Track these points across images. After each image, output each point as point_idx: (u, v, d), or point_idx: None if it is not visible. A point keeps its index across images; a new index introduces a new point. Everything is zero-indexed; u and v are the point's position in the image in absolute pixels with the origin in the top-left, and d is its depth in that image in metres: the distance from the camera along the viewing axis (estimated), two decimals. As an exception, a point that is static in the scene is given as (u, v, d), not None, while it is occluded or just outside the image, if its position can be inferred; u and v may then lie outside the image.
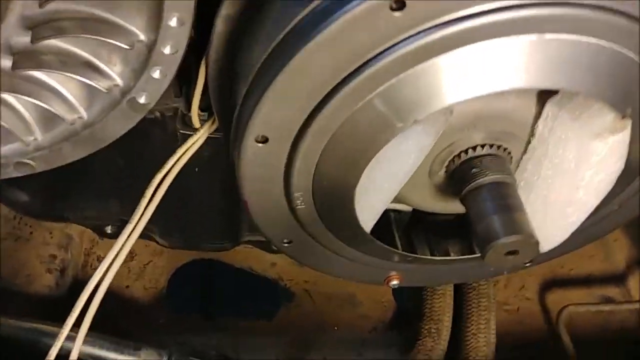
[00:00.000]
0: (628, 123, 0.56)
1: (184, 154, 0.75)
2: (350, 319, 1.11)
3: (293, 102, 0.54)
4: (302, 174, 0.61)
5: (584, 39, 0.49)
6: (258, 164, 0.60)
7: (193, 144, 0.76)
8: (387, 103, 0.53)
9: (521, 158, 0.66)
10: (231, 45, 0.61)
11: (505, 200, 0.62)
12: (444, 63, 0.50)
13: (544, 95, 0.60)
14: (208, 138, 0.75)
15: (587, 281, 1.21)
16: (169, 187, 0.73)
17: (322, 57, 0.50)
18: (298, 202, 0.65)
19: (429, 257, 0.79)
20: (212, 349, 0.91)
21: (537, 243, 0.60)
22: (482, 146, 0.63)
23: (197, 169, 0.82)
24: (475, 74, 0.51)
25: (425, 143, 0.59)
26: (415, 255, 0.78)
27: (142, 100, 0.63)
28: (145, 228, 0.74)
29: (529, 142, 0.65)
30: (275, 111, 0.55)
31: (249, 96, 0.56)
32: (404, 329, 1.09)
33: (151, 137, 0.79)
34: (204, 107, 0.73)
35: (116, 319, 1.03)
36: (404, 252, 0.76)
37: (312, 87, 0.52)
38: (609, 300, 1.19)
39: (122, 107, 0.63)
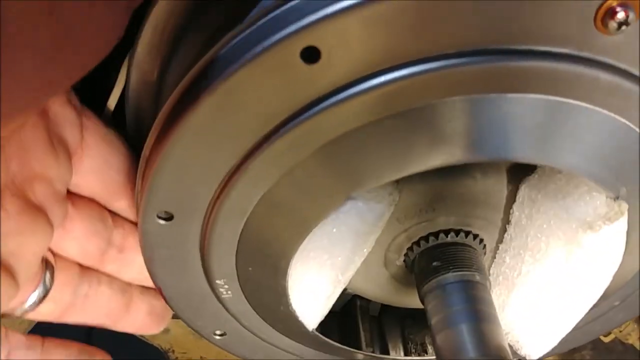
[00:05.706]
0: (624, 207, 0.43)
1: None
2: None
3: (196, 173, 0.43)
4: (222, 257, 0.50)
5: (571, 101, 0.38)
6: (166, 245, 0.49)
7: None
8: (311, 176, 0.42)
9: (497, 247, 0.54)
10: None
11: (474, 304, 0.49)
12: (386, 126, 0.39)
13: (518, 173, 0.49)
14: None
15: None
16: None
17: (228, 116, 0.39)
18: (222, 290, 0.53)
19: (399, 359, 0.66)
20: None
21: (510, 366, 0.47)
22: (447, 233, 0.51)
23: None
24: (427, 142, 0.40)
25: (366, 226, 0.47)
26: (383, 357, 0.65)
27: None
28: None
29: (504, 230, 0.52)
30: (176, 183, 0.44)
31: (150, 160, 0.46)
32: None
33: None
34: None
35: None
36: (370, 354, 0.64)
37: (219, 153, 0.42)
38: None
39: None
